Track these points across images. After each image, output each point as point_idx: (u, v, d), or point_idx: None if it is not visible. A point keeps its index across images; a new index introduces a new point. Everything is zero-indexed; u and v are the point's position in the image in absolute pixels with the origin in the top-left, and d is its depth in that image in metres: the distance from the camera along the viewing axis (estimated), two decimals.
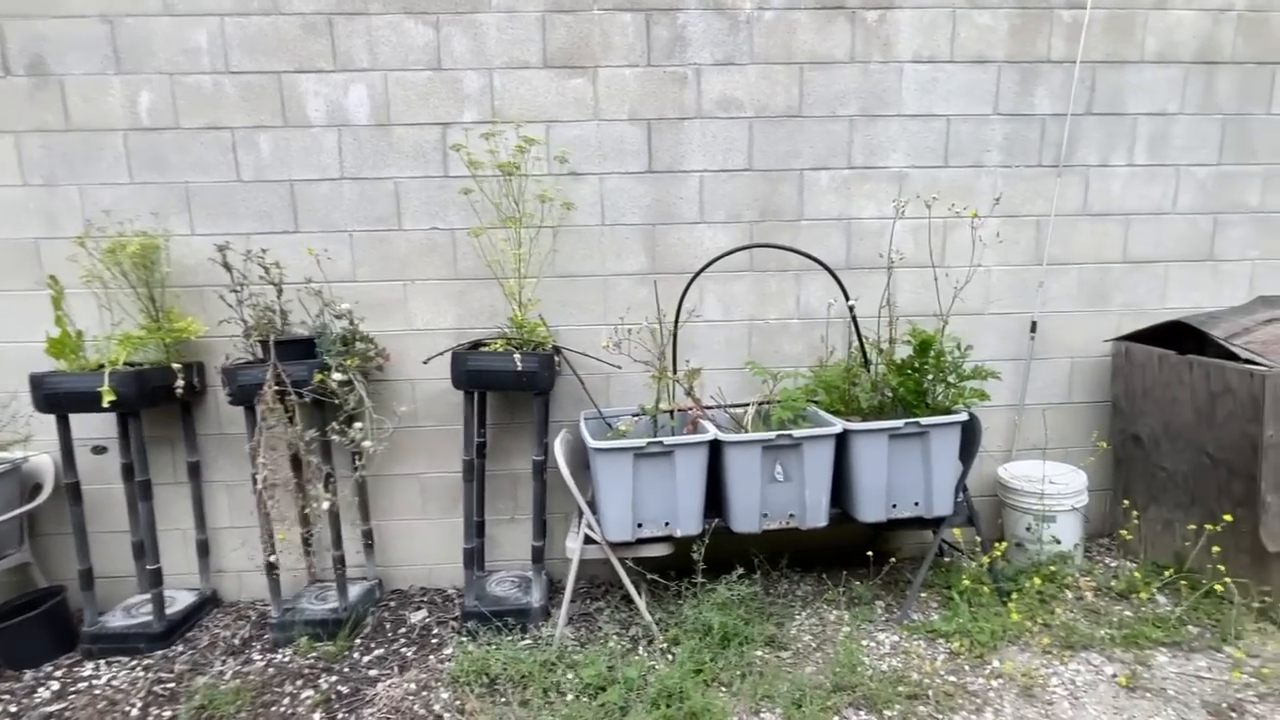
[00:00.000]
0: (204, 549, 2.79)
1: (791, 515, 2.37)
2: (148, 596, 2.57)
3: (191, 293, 2.65)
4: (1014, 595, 2.46)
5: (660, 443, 2.25)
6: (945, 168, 2.79)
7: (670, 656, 2.29)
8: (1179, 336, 2.61)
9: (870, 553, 2.64)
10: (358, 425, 2.17)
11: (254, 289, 2.52)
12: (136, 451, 2.45)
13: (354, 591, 2.72)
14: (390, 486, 2.85)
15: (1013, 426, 2.98)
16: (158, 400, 2.48)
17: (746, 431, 2.49)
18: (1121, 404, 2.80)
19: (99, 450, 2.60)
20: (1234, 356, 2.30)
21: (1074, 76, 2.75)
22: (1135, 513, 2.77)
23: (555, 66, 2.63)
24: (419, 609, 2.73)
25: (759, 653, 2.32)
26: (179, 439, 2.71)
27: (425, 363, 2.62)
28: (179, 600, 2.72)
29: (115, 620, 2.58)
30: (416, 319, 2.75)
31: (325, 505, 2.14)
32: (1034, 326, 2.88)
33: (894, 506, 2.38)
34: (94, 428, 2.58)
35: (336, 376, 2.17)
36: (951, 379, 2.48)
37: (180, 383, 2.46)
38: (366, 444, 2.17)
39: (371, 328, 2.72)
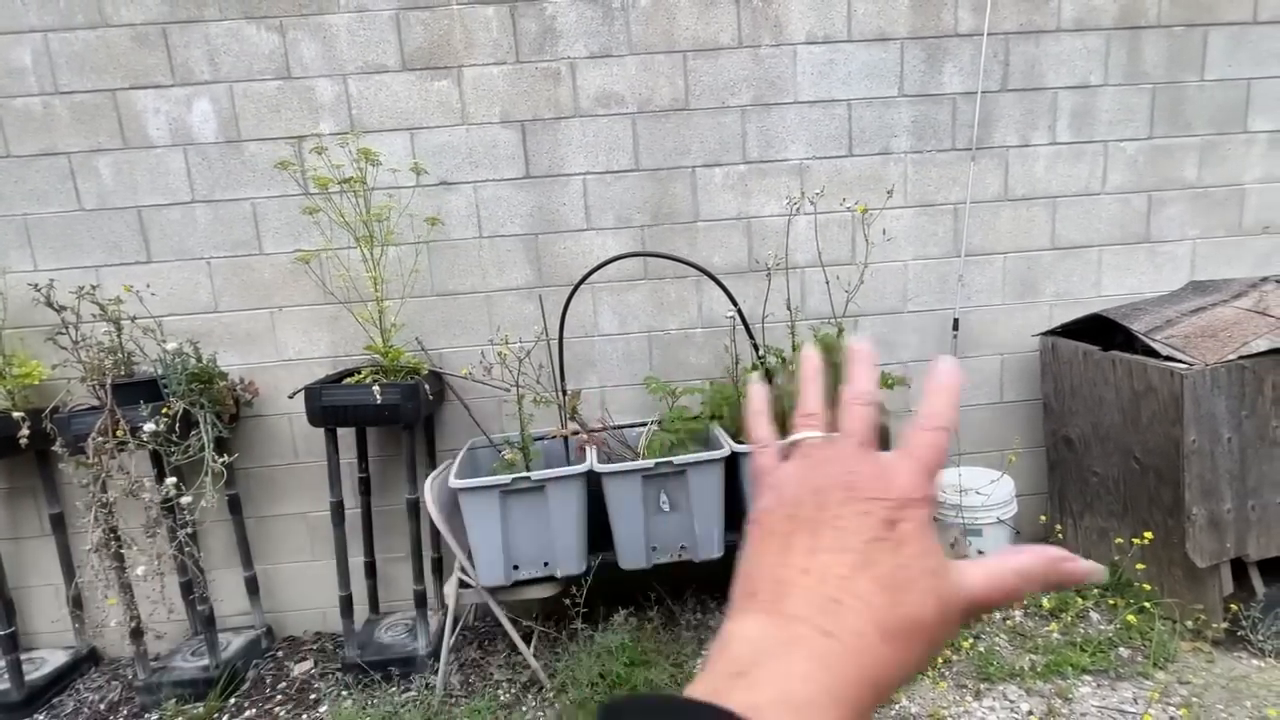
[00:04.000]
0: (77, 604, 2.60)
1: (683, 548, 2.18)
2: (9, 661, 2.39)
3: (40, 333, 2.45)
4: None
5: (528, 478, 2.05)
6: (850, 157, 2.58)
7: (556, 707, 2.11)
8: (1112, 329, 2.40)
9: None
10: (170, 480, 1.98)
11: (103, 327, 2.33)
12: None
13: (236, 643, 2.54)
14: (276, 527, 2.66)
15: None
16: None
17: (641, 456, 2.30)
18: (1052, 403, 2.59)
19: None
20: (1156, 352, 2.09)
21: (983, 50, 2.53)
22: (1069, 520, 2.57)
23: (415, 69, 2.42)
24: (304, 659, 2.54)
25: None
26: (40, 489, 2.53)
27: (290, 397, 2.43)
28: (49, 662, 2.54)
29: None
30: (287, 349, 2.56)
31: (140, 570, 1.95)
32: (956, 324, 2.67)
33: None
34: None
35: (164, 423, 1.97)
36: None
37: (25, 432, 2.27)
38: (185, 499, 1.97)
39: (238, 360, 2.54)
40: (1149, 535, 2.10)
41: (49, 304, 2.16)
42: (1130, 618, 2.07)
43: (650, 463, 2.07)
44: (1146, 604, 2.09)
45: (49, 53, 2.34)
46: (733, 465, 2.16)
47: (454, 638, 2.30)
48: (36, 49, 2.33)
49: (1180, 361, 2.00)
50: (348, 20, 2.37)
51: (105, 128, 2.39)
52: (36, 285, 2.18)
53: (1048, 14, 2.54)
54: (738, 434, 2.29)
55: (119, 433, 2.10)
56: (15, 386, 2.36)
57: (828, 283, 2.54)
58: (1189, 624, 2.10)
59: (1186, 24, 2.60)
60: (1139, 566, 2.16)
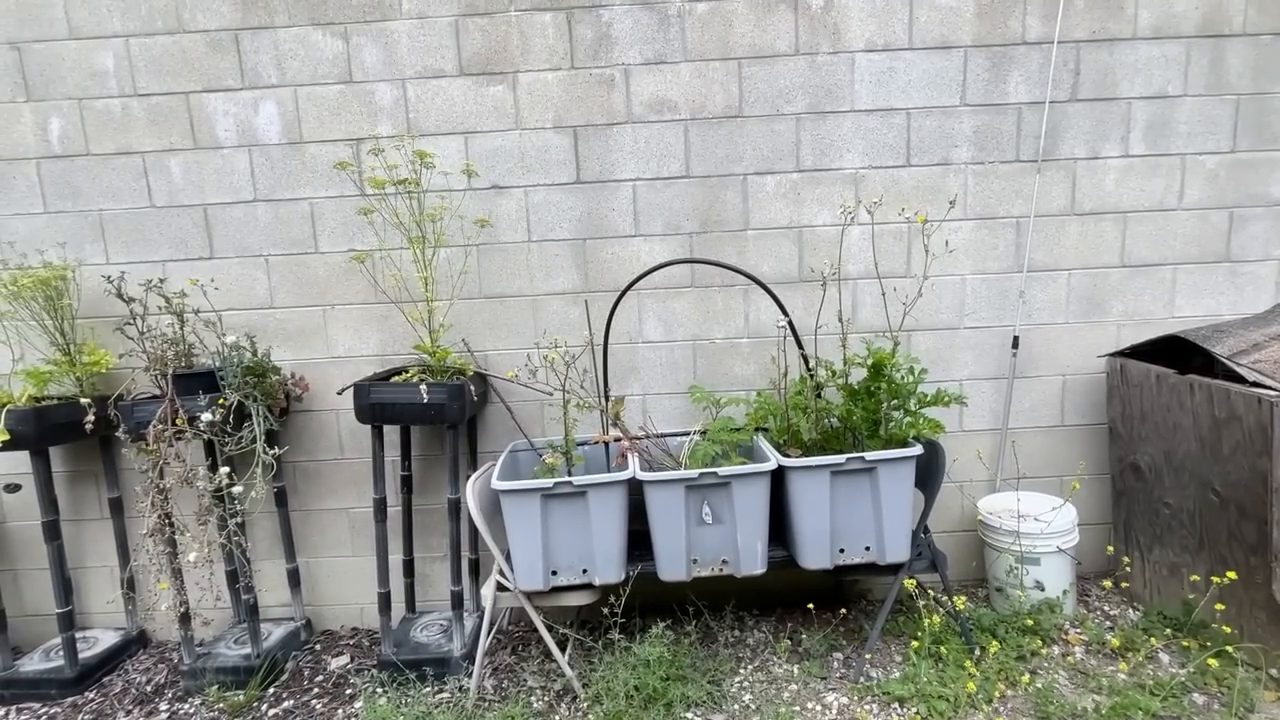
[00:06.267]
0: (130, 587, 2.69)
1: (724, 561, 2.12)
2: (65, 639, 2.48)
3: (109, 323, 2.55)
4: (989, 649, 2.15)
5: (570, 482, 2.03)
6: (907, 167, 2.51)
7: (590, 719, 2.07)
8: (1189, 351, 2.26)
9: (831, 592, 2.37)
10: (224, 470, 2.02)
11: (167, 319, 2.41)
12: (43, 490, 2.36)
13: (276, 634, 2.58)
14: (319, 522, 2.70)
15: (996, 453, 2.66)
16: (65, 437, 2.39)
17: (683, 465, 2.25)
18: (1119, 428, 2.45)
19: (11, 488, 2.52)
20: (1241, 378, 1.95)
21: (1052, 58, 2.43)
22: (1137, 554, 2.42)
23: (472, 74, 2.45)
24: (341, 654, 2.57)
25: (688, 715, 2.07)
26: (101, 473, 2.62)
27: (339, 393, 2.47)
28: (101, 642, 2.62)
29: (31, 664, 2.49)
30: (337, 346, 2.61)
31: (192, 556, 2.00)
32: (1015, 342, 2.56)
33: (841, 552, 2.11)
34: (9, 464, 2.51)
35: (220, 414, 2.02)
36: (911, 405, 2.20)
37: (91, 418, 2.36)
38: (236, 489, 2.01)
39: (290, 356, 2.59)
40: (1232, 575, 1.95)
41: (119, 295, 2.25)
42: (1212, 661, 1.92)
43: (694, 473, 2.03)
44: (1228, 647, 1.94)
45: (129, 57, 2.45)
46: (778, 478, 2.10)
47: (489, 641, 2.29)
48: (118, 53, 2.45)
49: (1269, 389, 1.86)
50: (408, 26, 2.43)
51: (178, 128, 2.49)
52: (109, 277, 2.27)
53: (1123, 21, 2.43)
54: (783, 446, 2.23)
55: (178, 421, 2.17)
56: (84, 374, 2.46)
57: (884, 294, 2.47)
58: (1273, 672, 1.94)
59: (1275, 32, 2.46)
60: (1218, 607, 2.01)
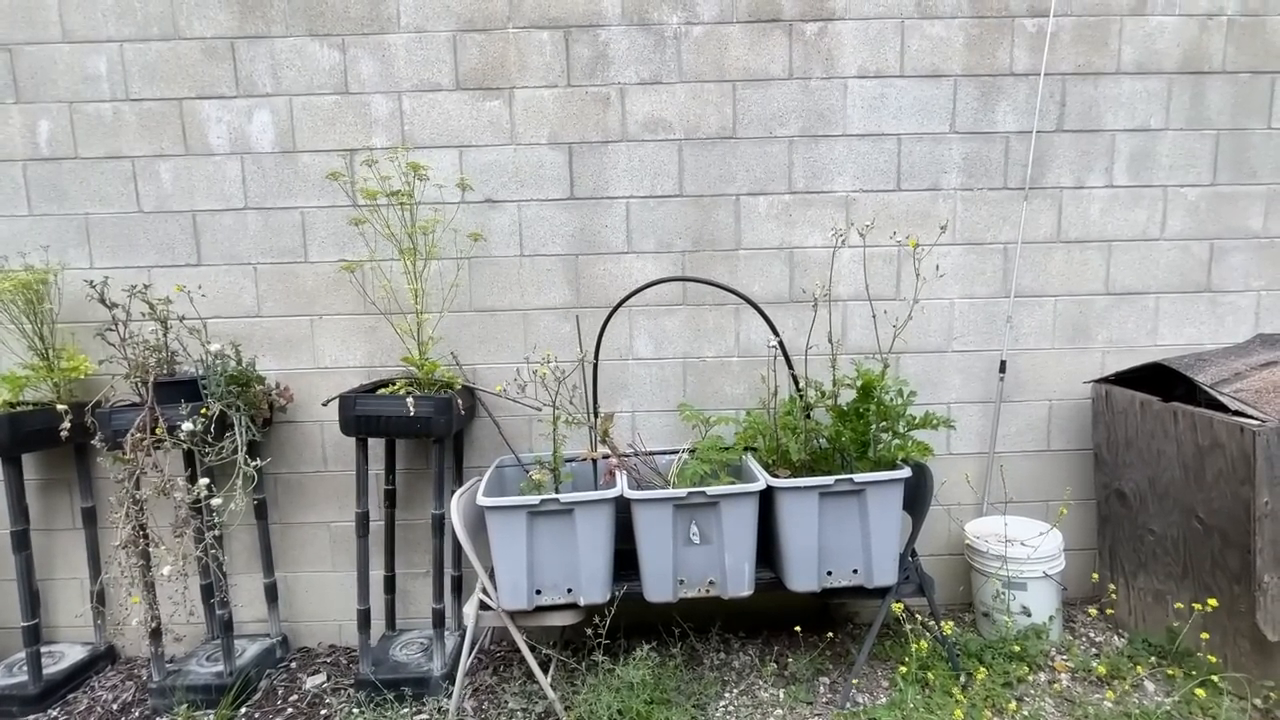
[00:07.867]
0: (100, 600, 2.61)
1: (711, 582, 2.10)
2: (29, 654, 2.39)
3: (90, 329, 2.50)
4: (976, 675, 2.14)
5: (557, 500, 2.00)
6: (898, 191, 2.54)
7: None
8: (1173, 379, 2.29)
9: (826, 612, 2.35)
10: (204, 481, 1.98)
11: (150, 326, 2.37)
12: (13, 499, 2.29)
13: (251, 651, 2.51)
14: (299, 535, 2.65)
15: (983, 477, 2.66)
16: (39, 444, 2.33)
17: (671, 484, 2.23)
18: (1104, 454, 2.47)
19: None
20: (1224, 406, 1.98)
21: (1039, 90, 2.48)
22: (1122, 580, 2.42)
23: (469, 88, 2.46)
24: (317, 673, 2.50)
25: None
26: (75, 482, 2.56)
27: (324, 405, 2.43)
28: (67, 657, 2.54)
29: None
30: (324, 356, 2.57)
31: (166, 570, 1.94)
32: (1003, 366, 2.58)
33: (829, 574, 2.09)
34: None
35: (201, 423, 1.98)
36: (900, 427, 2.20)
37: (66, 425, 2.31)
38: (215, 501, 1.97)
39: (276, 366, 2.56)
40: (1213, 602, 1.95)
41: (102, 300, 2.21)
42: (1199, 691, 1.91)
43: (683, 491, 2.01)
44: (1214, 677, 1.94)
45: (123, 62, 2.44)
46: (766, 499, 2.09)
47: (470, 661, 2.24)
48: (112, 58, 2.43)
49: (1251, 417, 1.89)
50: (406, 40, 2.44)
51: (169, 134, 2.47)
52: (91, 282, 2.23)
53: (1107, 56, 2.49)
54: (772, 467, 2.22)
55: (158, 431, 2.12)
56: (61, 379, 2.41)
57: (874, 316, 2.48)
58: (1257, 702, 1.94)
59: (1252, 70, 2.53)
60: (1202, 636, 2.01)
